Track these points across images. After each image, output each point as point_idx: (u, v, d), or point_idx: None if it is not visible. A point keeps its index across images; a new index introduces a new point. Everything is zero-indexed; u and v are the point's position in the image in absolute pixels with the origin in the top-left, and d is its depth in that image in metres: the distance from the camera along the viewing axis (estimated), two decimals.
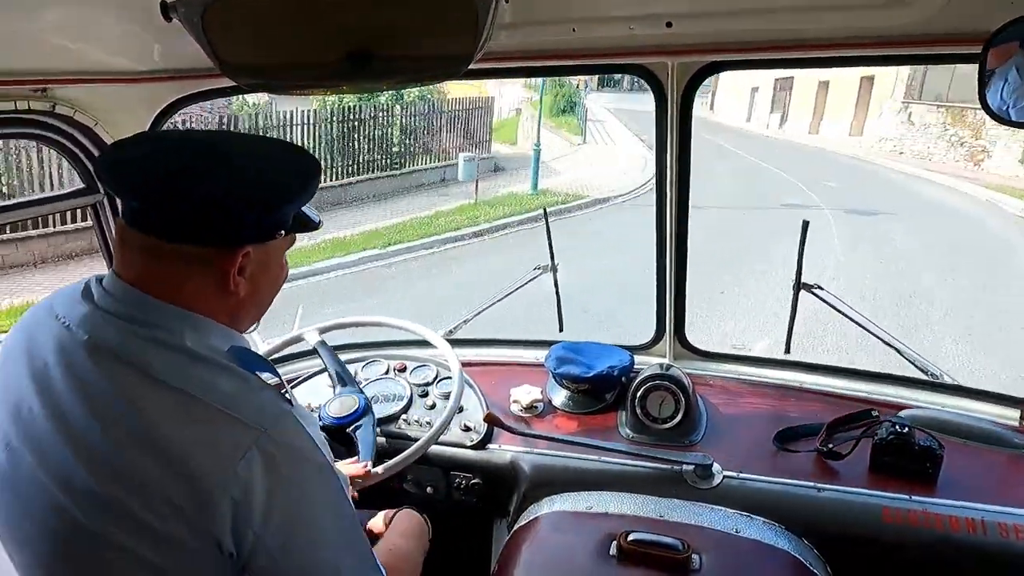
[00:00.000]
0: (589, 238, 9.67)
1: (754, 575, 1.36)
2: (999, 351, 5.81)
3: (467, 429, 1.72)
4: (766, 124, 25.22)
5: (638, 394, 1.69)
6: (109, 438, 0.81)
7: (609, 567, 1.33)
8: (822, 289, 1.86)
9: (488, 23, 1.07)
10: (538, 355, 1.98)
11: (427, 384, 1.89)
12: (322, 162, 9.06)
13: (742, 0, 1.27)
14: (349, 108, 12.50)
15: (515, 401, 1.80)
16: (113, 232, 1.62)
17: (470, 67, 1.19)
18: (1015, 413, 1.69)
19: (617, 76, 32.26)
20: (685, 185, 1.74)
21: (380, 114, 13.08)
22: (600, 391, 1.81)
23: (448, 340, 1.83)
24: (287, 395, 0.92)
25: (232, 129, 10.67)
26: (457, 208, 11.48)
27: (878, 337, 1.85)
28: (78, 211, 7.82)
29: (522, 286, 2.14)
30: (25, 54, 1.22)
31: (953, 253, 9.20)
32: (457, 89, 15.83)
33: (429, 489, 1.75)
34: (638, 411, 1.69)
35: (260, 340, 1.92)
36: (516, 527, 1.54)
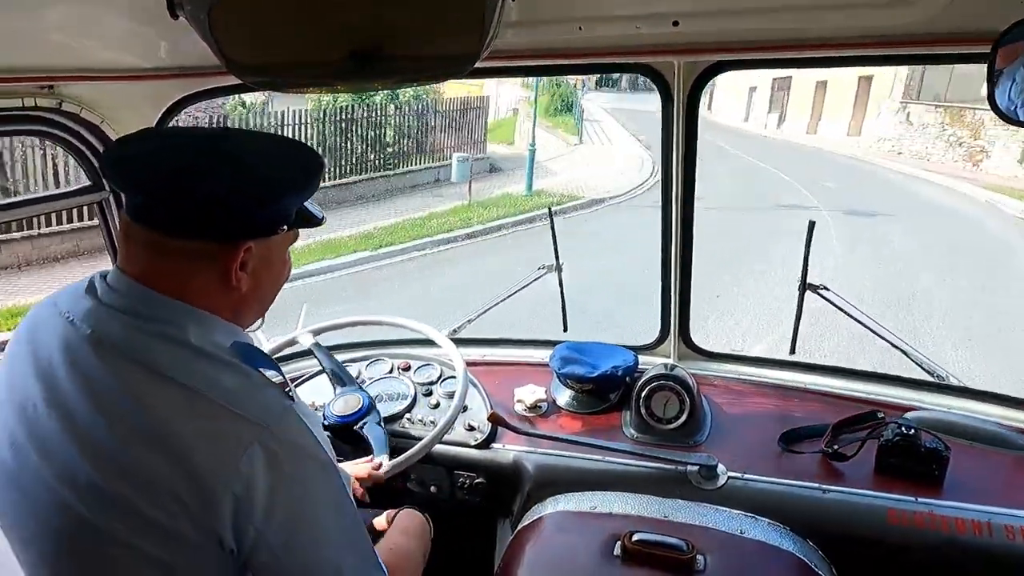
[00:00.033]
0: (585, 239, 9.66)
1: None
2: (999, 355, 5.80)
3: (471, 428, 1.72)
4: (764, 124, 25.13)
5: (642, 394, 1.69)
6: (115, 435, 0.81)
7: (613, 567, 1.33)
8: (827, 290, 1.85)
9: (494, 22, 1.07)
10: (542, 355, 1.98)
11: (431, 383, 1.89)
12: None
13: None
14: (342, 108, 12.40)
15: (519, 401, 1.80)
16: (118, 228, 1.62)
17: (476, 66, 1.19)
18: (1022, 415, 1.68)
19: (615, 76, 32.32)
20: (691, 185, 1.74)
21: (374, 114, 12.98)
22: (604, 391, 1.81)
23: (452, 339, 1.83)
24: (290, 392, 0.92)
25: None
26: (451, 209, 11.42)
27: (883, 338, 1.85)
28: (63, 213, 7.82)
29: (526, 286, 2.14)
30: (32, 51, 1.23)
31: (952, 254, 9.20)
32: (453, 88, 15.71)
33: (433, 488, 1.75)
34: (642, 411, 1.69)
35: (264, 339, 1.92)
36: (520, 527, 1.53)
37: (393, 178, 13.09)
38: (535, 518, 1.52)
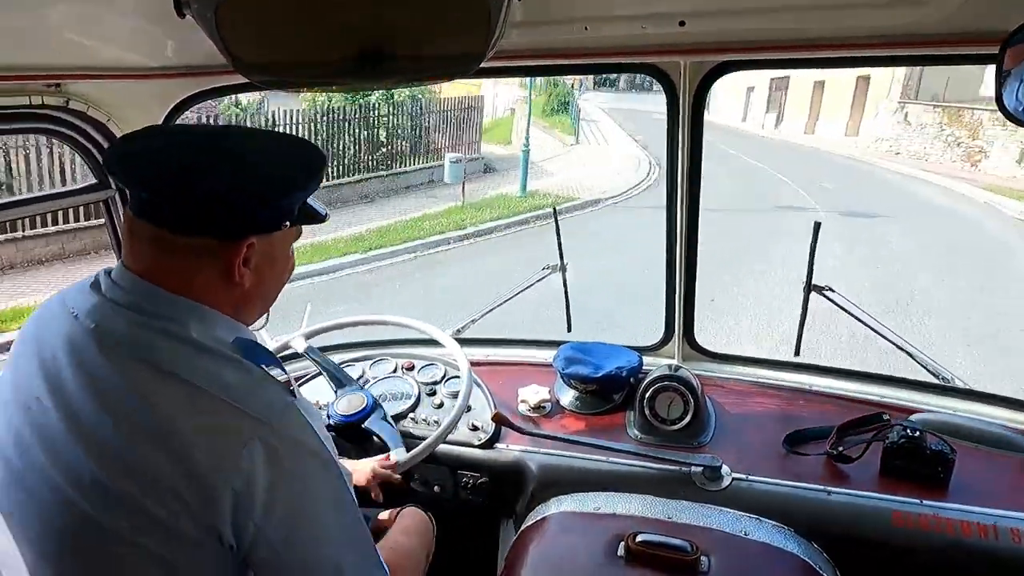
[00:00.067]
0: (584, 239, 9.57)
1: None
2: (997, 357, 5.79)
3: (475, 428, 1.72)
4: (762, 124, 25.11)
5: (647, 395, 1.69)
6: (120, 433, 0.81)
7: (617, 568, 1.33)
8: (832, 291, 1.84)
9: (500, 21, 1.07)
10: (546, 355, 1.98)
11: (435, 383, 1.89)
12: None
13: None
14: (335, 108, 12.23)
15: (523, 401, 1.80)
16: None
17: (481, 65, 1.18)
18: None
19: (613, 75, 32.26)
20: (696, 185, 1.74)
21: (368, 114, 12.78)
22: (608, 392, 1.80)
23: (456, 339, 1.83)
24: (292, 388, 0.92)
25: None
26: (443, 211, 11.19)
27: (888, 340, 1.84)
28: (48, 216, 7.68)
29: (530, 286, 2.14)
30: (40, 50, 1.23)
31: (950, 254, 9.17)
32: (450, 88, 15.58)
33: (436, 488, 1.75)
34: (647, 412, 1.69)
35: (268, 338, 1.92)
36: (524, 527, 1.53)
37: (386, 179, 12.86)
38: (539, 518, 1.52)
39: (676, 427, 1.67)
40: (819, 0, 1.23)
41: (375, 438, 1.62)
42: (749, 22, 1.32)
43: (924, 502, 1.42)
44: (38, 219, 7.84)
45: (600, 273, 7.30)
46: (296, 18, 1.08)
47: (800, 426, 1.64)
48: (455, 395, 1.76)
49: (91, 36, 1.25)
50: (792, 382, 1.87)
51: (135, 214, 0.89)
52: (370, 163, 12.87)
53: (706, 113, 1.66)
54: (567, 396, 1.83)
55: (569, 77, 21.28)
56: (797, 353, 1.94)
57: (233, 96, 12.02)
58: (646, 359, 1.89)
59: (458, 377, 1.80)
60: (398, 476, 1.49)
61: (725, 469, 1.53)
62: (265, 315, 1.08)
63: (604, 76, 31.82)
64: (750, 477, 1.52)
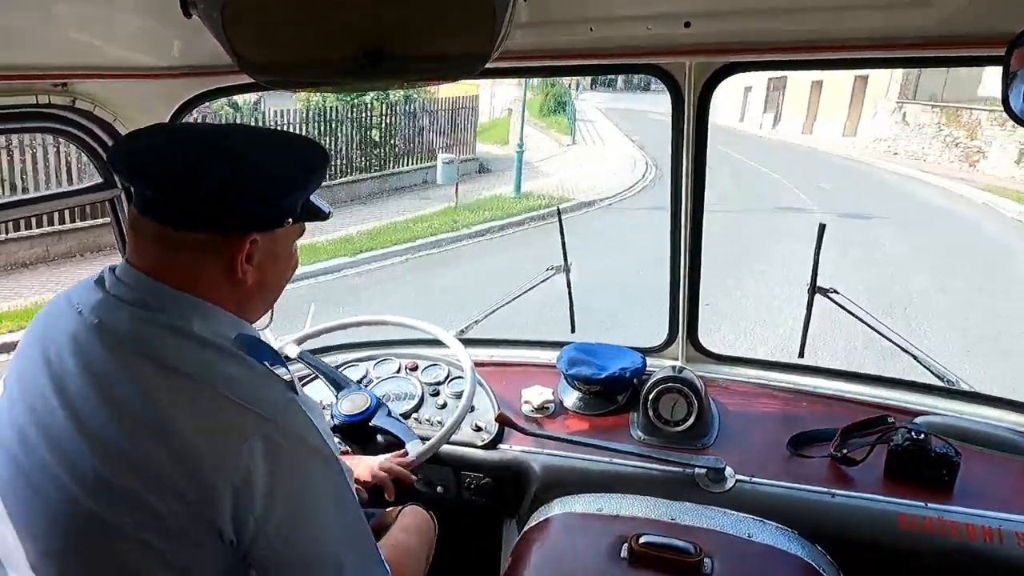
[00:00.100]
0: (585, 239, 9.58)
1: None
2: (996, 359, 5.77)
3: (478, 429, 1.72)
4: (759, 124, 25.00)
5: (650, 396, 1.68)
6: (123, 429, 0.82)
7: (620, 570, 1.32)
8: (837, 293, 1.84)
9: (505, 21, 1.07)
10: (550, 356, 1.98)
11: (438, 383, 1.89)
12: None
13: (761, 0, 1.26)
14: (329, 109, 12.12)
15: (526, 401, 1.80)
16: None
17: (486, 66, 1.19)
18: None
19: (611, 75, 32.24)
20: (700, 187, 1.74)
21: (363, 115, 12.61)
22: (612, 393, 1.80)
23: (459, 339, 1.83)
24: (294, 385, 0.92)
25: None
26: (435, 213, 11.00)
27: (893, 342, 1.83)
28: (33, 219, 7.59)
29: (534, 287, 2.14)
30: (46, 49, 1.24)
31: (949, 255, 9.14)
32: (444, 87, 15.13)
33: (439, 488, 1.75)
34: (650, 413, 1.68)
35: (273, 338, 1.92)
36: (527, 528, 1.53)
37: (380, 180, 12.69)
38: (542, 519, 1.52)
39: (680, 429, 1.66)
40: (824, 2, 1.23)
41: (381, 436, 1.62)
42: (755, 23, 1.32)
43: (929, 505, 1.42)
44: (22, 221, 7.68)
45: (598, 273, 7.30)
46: (302, 18, 1.09)
47: (804, 428, 1.63)
48: (459, 395, 1.77)
49: (98, 36, 1.25)
50: (796, 384, 1.87)
51: (139, 211, 0.89)
52: (364, 164, 12.70)
53: None
54: (571, 397, 1.83)
55: (567, 77, 21.28)
56: (801, 355, 1.94)
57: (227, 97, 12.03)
58: (650, 360, 1.89)
59: (461, 378, 1.80)
60: (412, 476, 1.48)
61: (729, 471, 1.53)
62: (269, 315, 1.09)
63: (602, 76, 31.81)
64: (754, 479, 1.52)
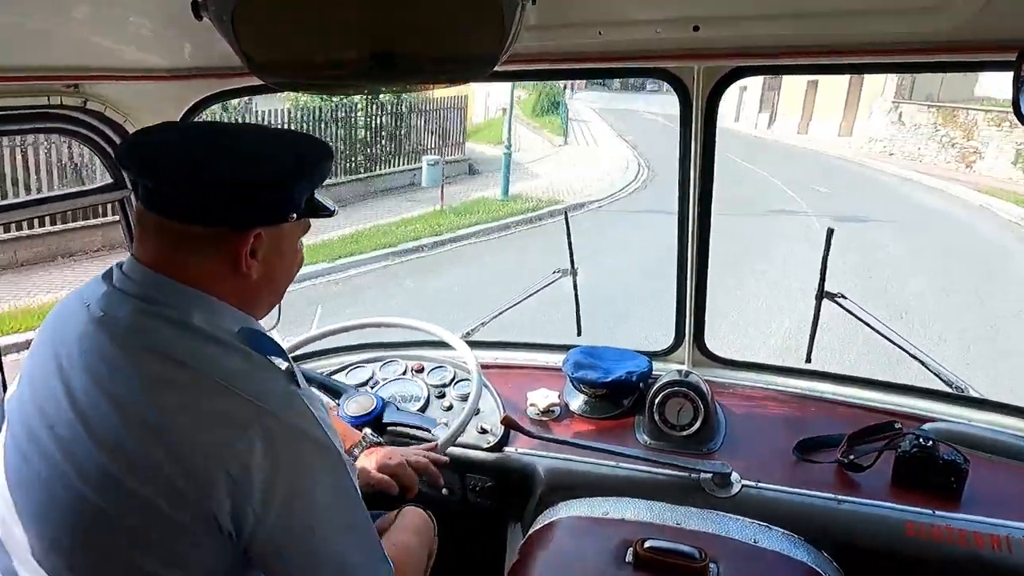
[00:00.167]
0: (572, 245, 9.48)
1: None
2: (996, 361, 5.74)
3: (484, 431, 1.72)
4: (754, 124, 24.90)
5: (656, 400, 1.68)
6: (125, 425, 0.83)
7: (625, 574, 1.32)
8: (844, 298, 1.83)
9: (514, 24, 1.07)
10: (556, 359, 1.98)
11: (444, 385, 1.89)
12: None
13: (771, 5, 1.25)
14: (315, 109, 11.92)
15: (532, 404, 1.80)
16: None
17: (495, 69, 1.19)
18: None
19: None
20: (708, 191, 1.73)
21: (350, 115, 12.37)
22: (618, 396, 1.80)
23: (465, 342, 1.83)
24: (295, 377, 0.92)
25: None
26: (420, 216, 10.72)
27: (902, 348, 1.82)
28: (25, 222, 7.53)
29: (539, 290, 2.14)
30: (58, 51, 1.25)
31: (945, 256, 9.09)
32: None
33: (444, 490, 1.75)
34: (656, 417, 1.68)
35: (280, 339, 1.92)
36: (531, 531, 1.53)
37: (366, 181, 12.44)
38: (546, 522, 1.52)
39: (686, 433, 1.66)
40: (833, 7, 1.23)
41: (394, 430, 1.63)
42: (763, 28, 1.32)
43: (937, 512, 1.40)
44: (13, 224, 7.47)
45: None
46: (311, 20, 1.09)
47: (811, 433, 1.63)
48: (464, 397, 1.77)
49: (109, 38, 1.26)
50: (803, 389, 1.86)
51: (145, 206, 0.90)
52: (350, 165, 12.42)
53: None
54: (576, 400, 1.82)
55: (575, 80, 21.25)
56: (808, 360, 1.93)
57: None
58: (656, 364, 1.88)
59: (467, 380, 1.80)
60: (445, 458, 1.50)
61: (735, 476, 1.52)
62: (277, 315, 1.09)
63: None
64: (760, 484, 1.51)
